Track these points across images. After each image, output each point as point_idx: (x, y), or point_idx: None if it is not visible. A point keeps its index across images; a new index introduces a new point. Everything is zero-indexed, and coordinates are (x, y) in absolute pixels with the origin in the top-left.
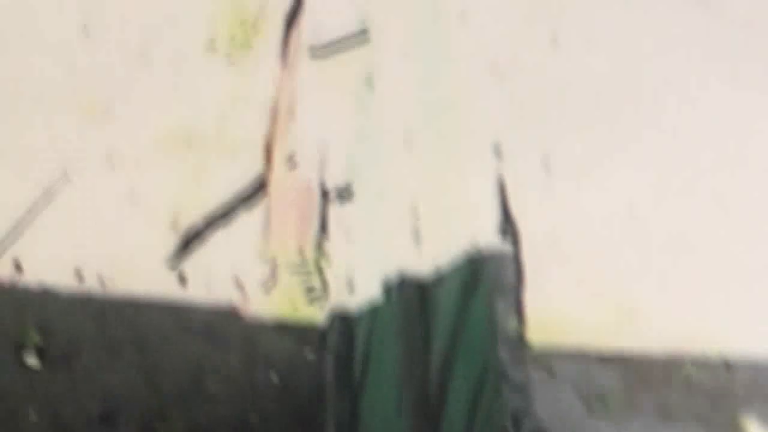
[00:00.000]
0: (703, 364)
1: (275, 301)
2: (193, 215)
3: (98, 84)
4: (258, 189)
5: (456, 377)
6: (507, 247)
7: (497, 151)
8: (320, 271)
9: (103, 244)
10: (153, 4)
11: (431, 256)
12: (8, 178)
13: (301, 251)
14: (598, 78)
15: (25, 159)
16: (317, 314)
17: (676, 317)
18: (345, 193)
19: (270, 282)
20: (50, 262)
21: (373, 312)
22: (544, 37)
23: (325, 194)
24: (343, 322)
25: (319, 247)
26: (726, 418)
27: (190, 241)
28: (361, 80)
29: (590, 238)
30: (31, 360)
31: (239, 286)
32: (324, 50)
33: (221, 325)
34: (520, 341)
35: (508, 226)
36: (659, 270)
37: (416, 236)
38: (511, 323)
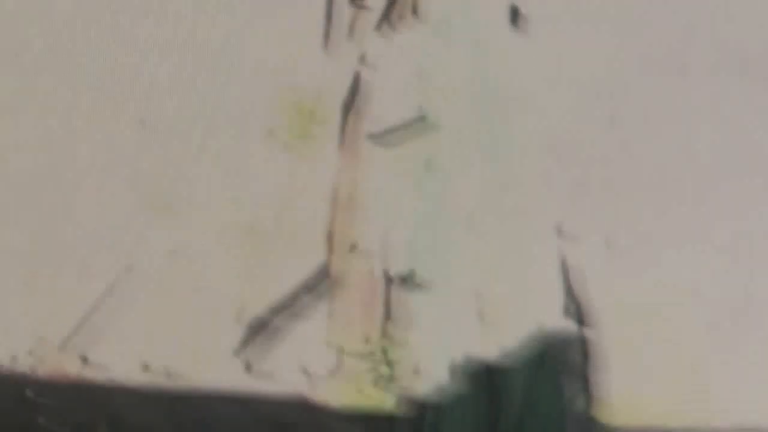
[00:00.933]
0: None
1: (343, 389)
2: (258, 306)
3: (158, 177)
4: (322, 278)
5: None
6: (574, 328)
7: (560, 232)
8: (387, 358)
9: (169, 337)
10: (210, 95)
11: (498, 339)
12: (72, 274)
13: (367, 338)
14: (657, 156)
15: (88, 254)
16: (386, 401)
17: (747, 395)
18: (409, 279)
19: (337, 370)
20: (117, 357)
21: (441, 396)
22: (603, 116)
23: (389, 281)
24: (413, 407)
25: (385, 333)
26: None
27: (256, 331)
28: (421, 165)
29: (656, 317)
30: None
31: (307, 375)
32: (384, 137)
33: (291, 416)
34: (590, 422)
35: (574, 306)
36: (728, 348)
37: (482, 319)
38: (581, 404)
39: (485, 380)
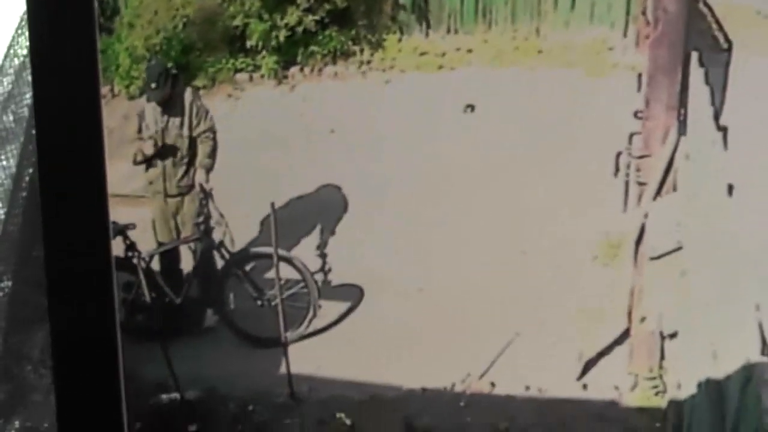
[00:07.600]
0: None
1: (637, 397)
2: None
3: None
4: (626, 336)
5: None
6: None
7: None
8: (662, 380)
9: None
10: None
11: (725, 368)
12: None
13: (650, 368)
14: None
15: None
16: (661, 403)
17: None
18: (671, 336)
19: (633, 386)
20: None
21: (691, 401)
22: None
23: (662, 337)
24: (676, 407)
25: (661, 366)
26: None
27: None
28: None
29: None
30: None
31: (617, 389)
32: (658, 258)
33: (609, 412)
34: None
35: None
36: None
37: (714, 357)
38: None
39: (715, 393)
